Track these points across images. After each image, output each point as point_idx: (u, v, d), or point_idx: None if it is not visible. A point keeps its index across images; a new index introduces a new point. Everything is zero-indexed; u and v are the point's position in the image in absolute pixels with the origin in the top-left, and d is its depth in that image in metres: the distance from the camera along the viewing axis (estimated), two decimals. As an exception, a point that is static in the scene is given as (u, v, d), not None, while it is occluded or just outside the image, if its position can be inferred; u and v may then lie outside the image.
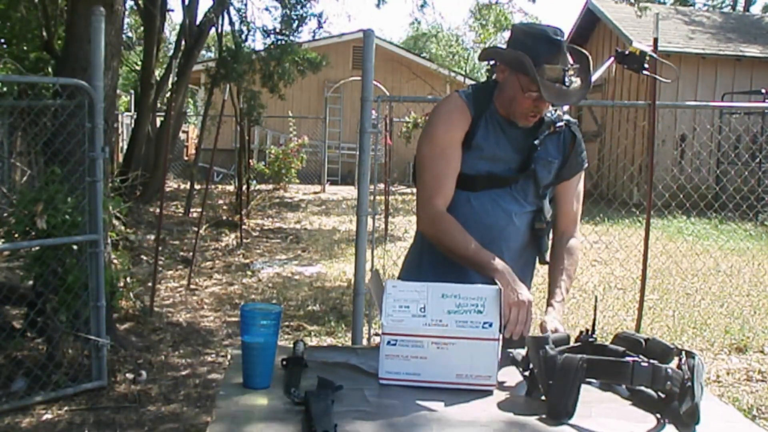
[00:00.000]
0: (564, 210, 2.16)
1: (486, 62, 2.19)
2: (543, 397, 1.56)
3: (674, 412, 1.49)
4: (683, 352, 1.62)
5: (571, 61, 1.97)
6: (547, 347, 1.56)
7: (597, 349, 1.68)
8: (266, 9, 10.82)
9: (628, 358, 1.55)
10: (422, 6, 15.27)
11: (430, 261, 2.11)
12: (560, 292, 2.01)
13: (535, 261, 2.18)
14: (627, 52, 2.80)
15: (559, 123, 2.08)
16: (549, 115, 2.07)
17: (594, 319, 1.79)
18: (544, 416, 1.49)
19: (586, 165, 2.18)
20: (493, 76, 2.11)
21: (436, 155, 2.03)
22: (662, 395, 1.55)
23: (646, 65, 2.82)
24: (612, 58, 2.87)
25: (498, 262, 1.88)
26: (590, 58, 2.06)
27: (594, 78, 2.39)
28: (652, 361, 1.54)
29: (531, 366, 1.61)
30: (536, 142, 2.04)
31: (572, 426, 1.46)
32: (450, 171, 2.03)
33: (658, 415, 1.52)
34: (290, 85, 10.85)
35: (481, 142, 2.03)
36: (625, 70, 2.82)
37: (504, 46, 2.06)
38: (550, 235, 2.16)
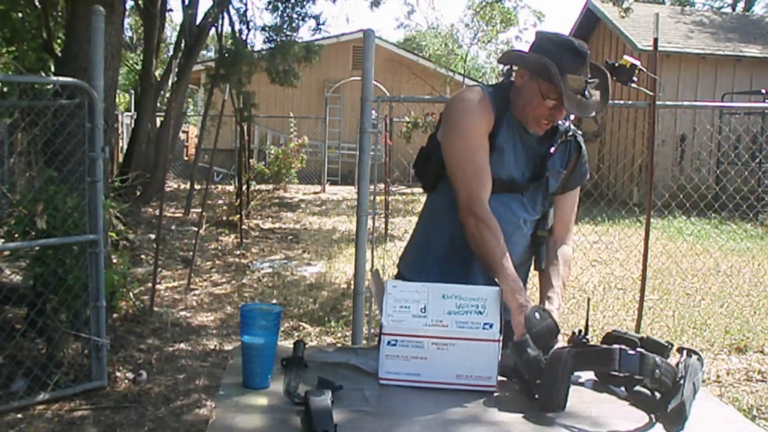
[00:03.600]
0: (560, 217, 2.15)
1: (504, 66, 2.16)
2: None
3: (664, 410, 1.49)
4: (684, 350, 1.62)
5: (590, 76, 1.97)
6: (528, 350, 1.57)
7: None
8: (266, 8, 10.77)
9: (614, 346, 1.55)
10: (410, 13, 15.25)
11: (435, 265, 2.10)
12: (556, 298, 1.99)
13: (530, 267, 2.18)
14: (617, 64, 2.83)
15: (570, 132, 2.09)
16: (561, 124, 2.07)
17: (587, 320, 1.79)
18: (545, 416, 1.49)
19: (588, 177, 2.17)
20: (510, 79, 2.09)
21: (474, 146, 1.98)
22: (658, 395, 1.55)
23: (635, 78, 2.84)
24: None
25: (515, 300, 1.79)
26: (609, 76, 2.05)
27: None
28: (639, 349, 1.54)
29: (521, 371, 1.61)
30: (552, 150, 2.04)
31: (572, 426, 1.46)
32: (487, 162, 1.98)
33: (653, 415, 1.52)
34: (294, 83, 10.82)
35: (503, 144, 2.01)
36: (615, 81, 2.85)
37: (525, 50, 2.04)
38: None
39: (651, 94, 3.55)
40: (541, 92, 1.93)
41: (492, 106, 2.00)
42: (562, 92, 1.87)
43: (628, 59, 2.86)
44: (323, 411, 1.40)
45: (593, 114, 1.99)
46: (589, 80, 1.94)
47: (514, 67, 2.08)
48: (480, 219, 1.93)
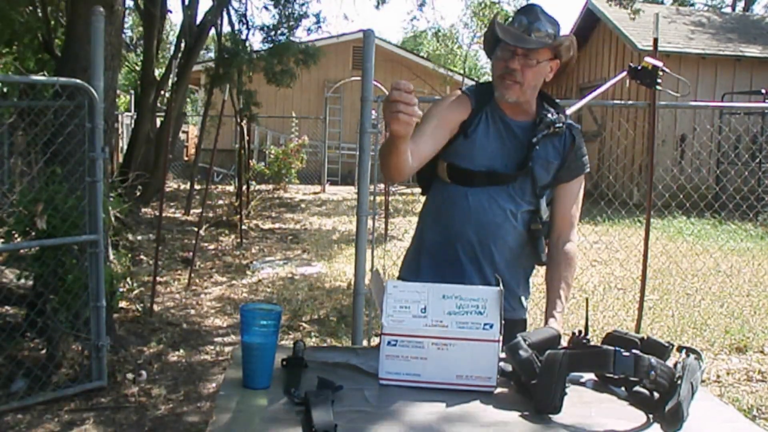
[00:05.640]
0: (561, 212, 2.14)
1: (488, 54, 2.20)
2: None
3: (661, 411, 1.49)
4: (684, 350, 1.62)
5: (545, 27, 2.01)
6: (520, 351, 1.57)
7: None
8: (264, 8, 10.77)
9: (609, 347, 1.55)
10: (421, 5, 15.21)
11: (429, 262, 2.10)
12: (560, 302, 2.00)
13: (533, 262, 2.17)
14: (639, 68, 2.79)
15: (559, 124, 2.08)
16: (549, 116, 2.07)
17: (586, 321, 1.78)
18: (544, 416, 1.49)
19: (587, 169, 2.17)
20: None
21: (424, 120, 2.02)
22: (657, 394, 1.55)
23: (659, 80, 2.81)
24: (624, 72, 2.87)
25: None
26: (559, 24, 2.09)
27: (604, 88, 2.39)
28: (634, 351, 1.54)
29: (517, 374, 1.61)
30: (534, 140, 2.04)
31: (571, 426, 1.46)
32: (428, 132, 1.99)
33: (651, 415, 1.52)
34: (292, 84, 10.82)
35: (481, 137, 2.04)
36: (638, 85, 2.82)
37: None
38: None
39: (677, 95, 3.52)
40: (497, 52, 2.02)
41: (471, 101, 2.07)
42: (495, 26, 1.96)
43: (649, 61, 2.82)
44: (323, 411, 1.40)
45: (532, 47, 1.99)
46: (533, 21, 1.98)
47: None
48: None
